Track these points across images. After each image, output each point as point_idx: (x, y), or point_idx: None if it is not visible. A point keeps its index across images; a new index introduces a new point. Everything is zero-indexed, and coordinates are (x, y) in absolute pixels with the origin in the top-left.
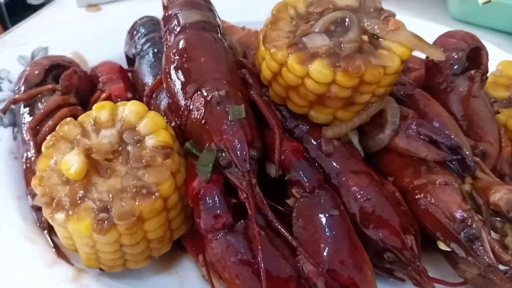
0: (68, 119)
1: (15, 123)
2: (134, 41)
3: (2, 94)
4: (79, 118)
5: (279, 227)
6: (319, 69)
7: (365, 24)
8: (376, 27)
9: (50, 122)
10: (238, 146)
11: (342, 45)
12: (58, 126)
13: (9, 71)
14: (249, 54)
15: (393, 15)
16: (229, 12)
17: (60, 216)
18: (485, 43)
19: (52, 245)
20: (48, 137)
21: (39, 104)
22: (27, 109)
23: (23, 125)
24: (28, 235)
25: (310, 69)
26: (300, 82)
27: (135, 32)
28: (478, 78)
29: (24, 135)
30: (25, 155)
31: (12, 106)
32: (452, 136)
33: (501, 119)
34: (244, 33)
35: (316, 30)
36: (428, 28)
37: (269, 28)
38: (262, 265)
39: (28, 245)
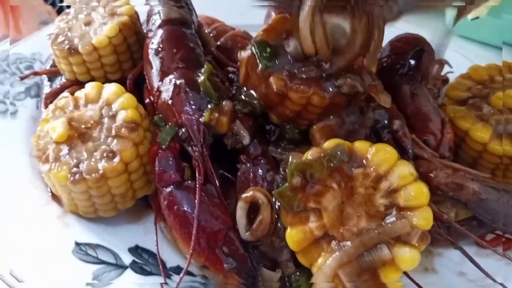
0: (67, 93)
1: (39, 95)
2: None
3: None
4: (75, 94)
5: (218, 190)
6: None
7: None
8: None
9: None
10: (194, 126)
11: None
12: (57, 99)
13: (42, 54)
14: (235, 51)
15: None
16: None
17: (46, 166)
18: (455, 54)
19: (49, 190)
20: (50, 106)
21: (58, 80)
22: (48, 83)
23: (43, 96)
24: (33, 181)
25: None
26: None
27: None
28: (418, 77)
29: (42, 104)
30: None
31: (38, 82)
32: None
33: (448, 113)
34: (232, 32)
35: None
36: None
37: None
38: (197, 216)
39: (31, 188)
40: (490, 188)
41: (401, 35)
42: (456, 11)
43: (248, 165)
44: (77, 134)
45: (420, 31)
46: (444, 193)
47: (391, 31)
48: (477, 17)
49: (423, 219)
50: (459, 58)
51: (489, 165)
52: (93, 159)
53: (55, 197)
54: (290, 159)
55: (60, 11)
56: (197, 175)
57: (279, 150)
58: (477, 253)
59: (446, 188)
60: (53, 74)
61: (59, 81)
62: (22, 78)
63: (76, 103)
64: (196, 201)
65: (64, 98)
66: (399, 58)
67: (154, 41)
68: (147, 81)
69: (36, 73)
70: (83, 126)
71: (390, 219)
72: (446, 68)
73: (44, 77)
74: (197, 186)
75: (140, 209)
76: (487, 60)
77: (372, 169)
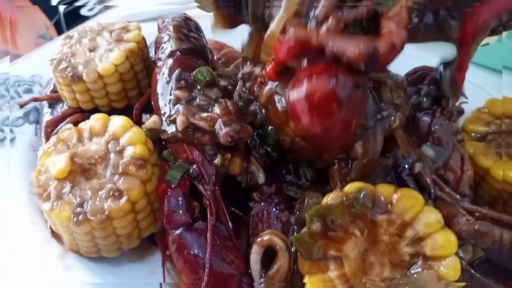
0: (70, 125)
1: (38, 121)
2: None
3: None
4: (79, 125)
5: (230, 232)
6: None
7: None
8: None
9: (62, 125)
10: (206, 163)
11: None
12: (60, 131)
13: (42, 76)
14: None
15: None
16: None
17: (47, 205)
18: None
19: (48, 226)
20: (52, 138)
21: (60, 107)
22: (49, 110)
23: (42, 124)
24: (31, 217)
25: None
26: None
27: None
28: (437, 111)
29: (41, 133)
30: (40, 149)
31: (38, 106)
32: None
33: (467, 149)
34: (229, 49)
35: None
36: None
37: None
38: (208, 261)
39: (29, 224)
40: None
41: (418, 68)
42: None
43: (262, 204)
44: (81, 170)
45: (429, 55)
46: (465, 240)
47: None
48: (487, 44)
49: (451, 269)
50: (470, 87)
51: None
52: (98, 198)
53: (55, 235)
54: (306, 200)
55: (57, 25)
56: (208, 216)
57: (293, 188)
58: None
59: (468, 237)
60: (54, 100)
61: (60, 108)
62: (21, 106)
63: (80, 136)
64: (207, 244)
65: (67, 130)
66: (416, 91)
67: (164, 71)
68: (155, 111)
69: (36, 99)
70: (87, 162)
71: (416, 269)
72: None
73: (45, 103)
74: (209, 228)
75: (144, 247)
76: (490, 84)
77: (397, 215)
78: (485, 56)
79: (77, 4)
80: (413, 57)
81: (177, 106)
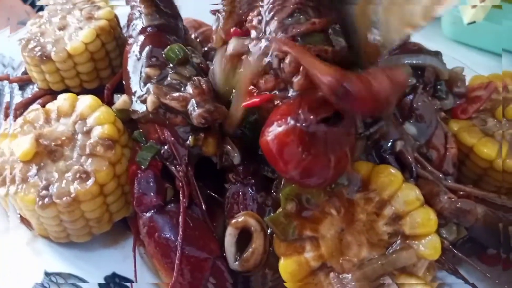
0: (37, 106)
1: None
2: None
3: None
4: (46, 106)
5: (204, 214)
6: None
7: None
8: None
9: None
10: (178, 144)
11: None
12: (27, 112)
13: (14, 59)
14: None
15: None
16: None
17: (12, 188)
18: (460, 63)
19: (17, 212)
20: (19, 119)
21: (30, 89)
22: (20, 92)
23: (12, 105)
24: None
25: None
26: None
27: None
28: (419, 88)
29: (11, 115)
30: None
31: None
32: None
33: (451, 127)
34: (207, 27)
35: None
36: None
37: None
38: (180, 244)
39: None
40: (494, 213)
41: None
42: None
43: (238, 185)
44: (47, 152)
45: (413, 36)
46: (447, 219)
47: None
48: (474, 22)
49: (430, 248)
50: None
51: (494, 182)
52: (64, 181)
53: (23, 220)
54: (283, 181)
55: (40, 11)
56: (181, 198)
57: (270, 169)
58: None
59: (450, 215)
60: (24, 82)
61: (30, 90)
62: None
63: (48, 117)
64: (179, 227)
65: (34, 111)
66: None
67: (134, 49)
68: (125, 91)
69: (3, 79)
70: (53, 143)
71: (395, 248)
72: None
73: (15, 85)
74: (181, 210)
75: (117, 232)
76: (485, 67)
77: (374, 193)
78: (471, 36)
79: None
80: None
81: (148, 85)
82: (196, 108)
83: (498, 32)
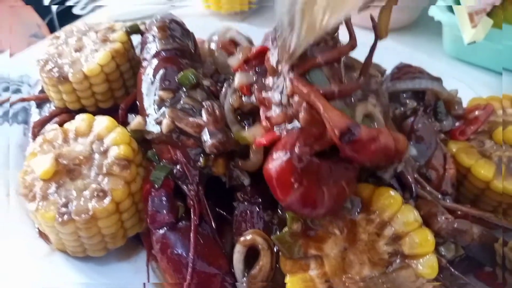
0: (55, 126)
1: (26, 121)
2: None
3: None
4: (65, 126)
5: (214, 231)
6: None
7: None
8: None
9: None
10: (190, 164)
11: None
12: (46, 131)
13: (30, 76)
14: None
15: None
16: None
17: (32, 205)
18: (458, 83)
19: (36, 226)
20: (38, 138)
21: (47, 107)
22: (37, 110)
23: (30, 123)
24: (19, 216)
25: None
26: None
27: None
28: (419, 111)
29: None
30: (27, 149)
31: (26, 107)
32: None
33: (450, 148)
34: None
35: None
36: (423, 62)
37: None
38: (192, 260)
39: (17, 224)
40: (489, 233)
41: (401, 66)
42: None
43: (245, 204)
44: (66, 171)
45: (417, 53)
46: (444, 239)
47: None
48: (474, 42)
49: (428, 267)
50: (457, 85)
51: (491, 202)
52: (82, 199)
53: (42, 234)
54: None
55: (50, 24)
56: (192, 216)
57: None
58: None
59: (447, 235)
60: (41, 100)
61: (47, 108)
62: (10, 105)
63: (66, 136)
64: (190, 243)
65: (53, 130)
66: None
67: (149, 71)
68: (139, 112)
69: (24, 100)
70: (72, 162)
71: (395, 267)
72: None
73: (32, 103)
74: (192, 228)
75: (130, 246)
76: (486, 84)
77: (375, 214)
78: (472, 54)
79: (69, 3)
80: (400, 57)
81: (163, 108)
82: (209, 139)
83: (498, 51)
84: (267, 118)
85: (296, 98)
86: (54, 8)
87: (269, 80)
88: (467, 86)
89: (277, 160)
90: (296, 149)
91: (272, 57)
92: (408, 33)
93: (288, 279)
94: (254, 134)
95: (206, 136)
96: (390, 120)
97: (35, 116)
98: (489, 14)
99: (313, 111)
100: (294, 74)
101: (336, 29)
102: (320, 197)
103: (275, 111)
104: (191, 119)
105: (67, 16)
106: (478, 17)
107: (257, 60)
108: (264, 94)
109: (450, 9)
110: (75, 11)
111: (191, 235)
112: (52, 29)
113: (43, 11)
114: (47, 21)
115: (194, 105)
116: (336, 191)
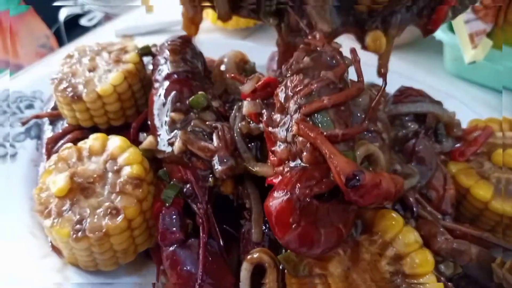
0: (70, 144)
1: (39, 136)
2: None
3: (33, 111)
4: (79, 144)
5: (222, 248)
6: None
7: None
8: None
9: (62, 142)
10: (199, 184)
11: None
12: (61, 149)
13: (43, 92)
14: None
15: None
16: None
17: (48, 222)
18: (457, 103)
19: (49, 240)
20: (53, 156)
21: (60, 124)
22: (50, 127)
23: (44, 140)
24: (32, 230)
25: None
26: None
27: None
28: (421, 133)
29: (43, 149)
30: (41, 165)
31: (39, 122)
32: None
33: (450, 169)
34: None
35: None
36: (424, 80)
37: None
38: (200, 277)
39: (30, 238)
40: (487, 253)
41: (403, 89)
42: None
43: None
44: (80, 189)
45: (417, 71)
46: (444, 257)
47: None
48: (474, 62)
49: (428, 287)
50: (457, 104)
51: (490, 222)
52: (96, 216)
53: (55, 248)
54: None
55: (58, 34)
56: (201, 234)
57: None
58: None
59: (446, 254)
60: (54, 117)
61: (61, 125)
62: (23, 123)
63: (80, 155)
64: (199, 260)
65: (68, 149)
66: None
67: (160, 93)
68: (151, 131)
69: (37, 116)
70: (86, 181)
71: (396, 286)
72: None
73: (46, 119)
74: (201, 245)
75: (140, 261)
76: (486, 102)
77: (378, 235)
78: (473, 73)
79: (77, 12)
80: (402, 76)
81: (176, 131)
82: (220, 165)
83: (498, 71)
84: (272, 152)
85: (300, 138)
86: (61, 18)
87: (277, 116)
88: (467, 107)
89: (277, 199)
90: (297, 190)
91: (281, 93)
92: (410, 51)
93: None
94: (265, 172)
95: (217, 164)
96: (391, 152)
97: (48, 132)
98: (488, 35)
99: (316, 152)
100: (300, 116)
101: (345, 70)
102: (317, 238)
103: (280, 147)
104: (202, 143)
105: (74, 27)
106: (478, 38)
107: (264, 92)
108: (271, 129)
109: (451, 28)
110: (83, 22)
111: (200, 252)
112: (59, 40)
113: (50, 22)
114: (54, 31)
115: (204, 127)
116: (333, 232)
